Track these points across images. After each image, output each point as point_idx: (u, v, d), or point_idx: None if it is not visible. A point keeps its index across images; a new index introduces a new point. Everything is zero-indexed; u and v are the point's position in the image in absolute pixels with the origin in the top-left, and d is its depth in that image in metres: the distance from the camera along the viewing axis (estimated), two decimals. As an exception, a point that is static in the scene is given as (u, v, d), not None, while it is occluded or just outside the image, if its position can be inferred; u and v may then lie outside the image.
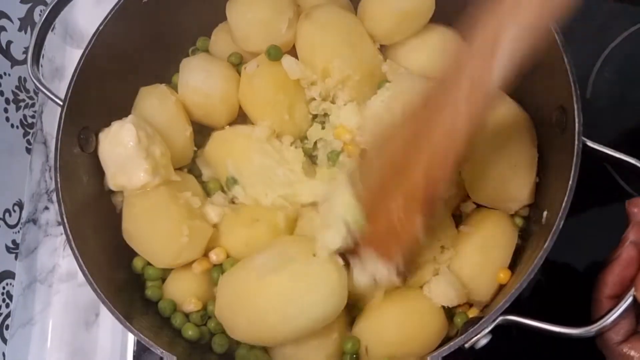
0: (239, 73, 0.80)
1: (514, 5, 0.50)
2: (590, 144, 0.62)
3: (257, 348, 0.71)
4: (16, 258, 0.92)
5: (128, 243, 0.73)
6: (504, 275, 0.68)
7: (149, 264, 0.74)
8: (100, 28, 0.74)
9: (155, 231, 0.70)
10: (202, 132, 0.82)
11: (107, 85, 0.76)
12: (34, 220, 0.95)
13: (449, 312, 0.70)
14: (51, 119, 0.99)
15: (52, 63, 1.01)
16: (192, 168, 0.81)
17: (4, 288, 0.89)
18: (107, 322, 0.87)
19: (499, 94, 0.54)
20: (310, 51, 0.77)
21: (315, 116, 0.80)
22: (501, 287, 0.69)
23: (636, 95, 0.85)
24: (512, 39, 0.51)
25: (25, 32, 0.99)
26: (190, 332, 0.70)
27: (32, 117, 1.00)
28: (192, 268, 0.72)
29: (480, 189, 0.72)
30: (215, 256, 0.72)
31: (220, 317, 0.68)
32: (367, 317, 0.69)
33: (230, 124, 0.81)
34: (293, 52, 0.79)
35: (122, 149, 0.70)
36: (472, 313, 0.70)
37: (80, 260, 0.65)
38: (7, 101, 0.94)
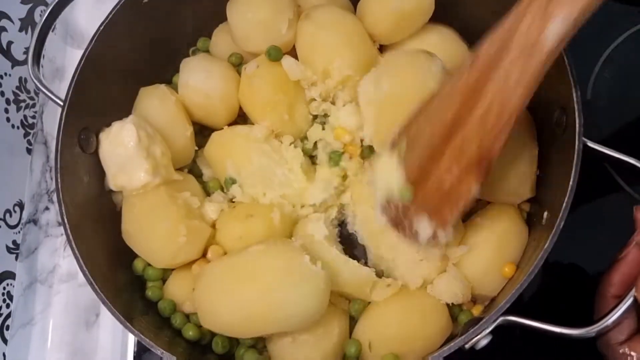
0: (239, 73, 0.80)
1: None
2: (590, 144, 0.63)
3: (257, 348, 0.71)
4: (17, 258, 0.92)
5: (127, 244, 0.73)
6: (509, 270, 0.68)
7: (149, 264, 0.74)
8: (101, 28, 0.74)
9: (153, 231, 0.71)
10: (202, 132, 0.82)
11: (107, 86, 0.76)
12: (34, 221, 0.95)
13: (453, 311, 0.70)
14: (52, 120, 0.99)
15: (53, 63, 1.01)
16: (192, 168, 0.81)
17: (4, 288, 0.89)
18: (108, 323, 0.87)
19: (554, 54, 0.54)
20: (310, 52, 0.77)
21: (315, 117, 0.80)
22: (508, 282, 0.69)
23: (636, 95, 0.85)
24: (564, 3, 0.51)
25: (26, 33, 0.99)
26: (190, 332, 0.70)
27: (33, 117, 1.00)
28: (192, 269, 0.72)
29: (483, 183, 0.71)
30: (211, 254, 0.72)
31: (198, 303, 0.66)
32: (371, 314, 0.70)
33: (231, 124, 0.81)
34: (293, 52, 0.79)
35: (122, 149, 0.70)
36: (477, 310, 0.70)
37: (81, 260, 0.65)
38: (7, 101, 0.94)
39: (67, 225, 0.67)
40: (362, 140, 0.76)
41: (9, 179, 0.94)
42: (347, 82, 0.76)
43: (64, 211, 0.67)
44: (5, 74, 0.94)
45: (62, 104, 0.72)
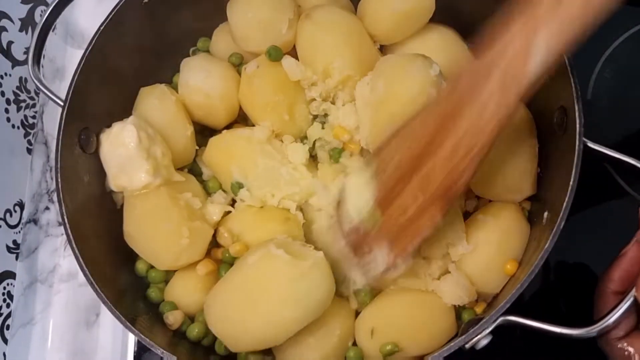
0: (240, 73, 0.80)
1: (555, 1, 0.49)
2: (591, 144, 0.63)
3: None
4: (17, 258, 0.92)
5: (129, 245, 0.73)
6: (511, 267, 0.68)
7: (152, 266, 0.74)
8: (101, 28, 0.74)
9: (156, 233, 0.70)
10: (203, 132, 0.82)
11: (108, 86, 0.76)
12: (34, 221, 0.95)
13: (456, 308, 0.70)
14: (52, 120, 0.99)
15: (53, 63, 1.01)
16: (192, 167, 0.81)
17: (4, 288, 0.89)
18: (108, 322, 0.87)
19: (533, 88, 0.53)
20: (310, 52, 0.77)
21: (315, 116, 0.80)
22: (509, 280, 0.69)
23: (637, 96, 0.85)
24: (551, 35, 0.50)
25: (26, 33, 0.99)
26: (196, 330, 0.70)
27: (33, 117, 1.00)
28: (197, 270, 0.72)
29: (483, 181, 0.71)
30: (203, 268, 0.72)
31: (217, 331, 0.67)
32: (379, 302, 0.70)
33: (231, 124, 0.81)
34: (294, 52, 0.79)
35: (123, 150, 0.70)
36: (479, 308, 0.70)
37: (81, 260, 0.65)
38: (7, 102, 0.94)
39: (68, 225, 0.67)
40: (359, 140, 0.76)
41: (9, 178, 0.94)
42: (347, 82, 0.76)
43: (64, 211, 0.67)
44: (6, 74, 0.94)
45: (62, 104, 0.72)
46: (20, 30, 0.98)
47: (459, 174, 0.58)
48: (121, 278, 0.73)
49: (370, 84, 0.73)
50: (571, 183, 0.61)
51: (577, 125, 0.62)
